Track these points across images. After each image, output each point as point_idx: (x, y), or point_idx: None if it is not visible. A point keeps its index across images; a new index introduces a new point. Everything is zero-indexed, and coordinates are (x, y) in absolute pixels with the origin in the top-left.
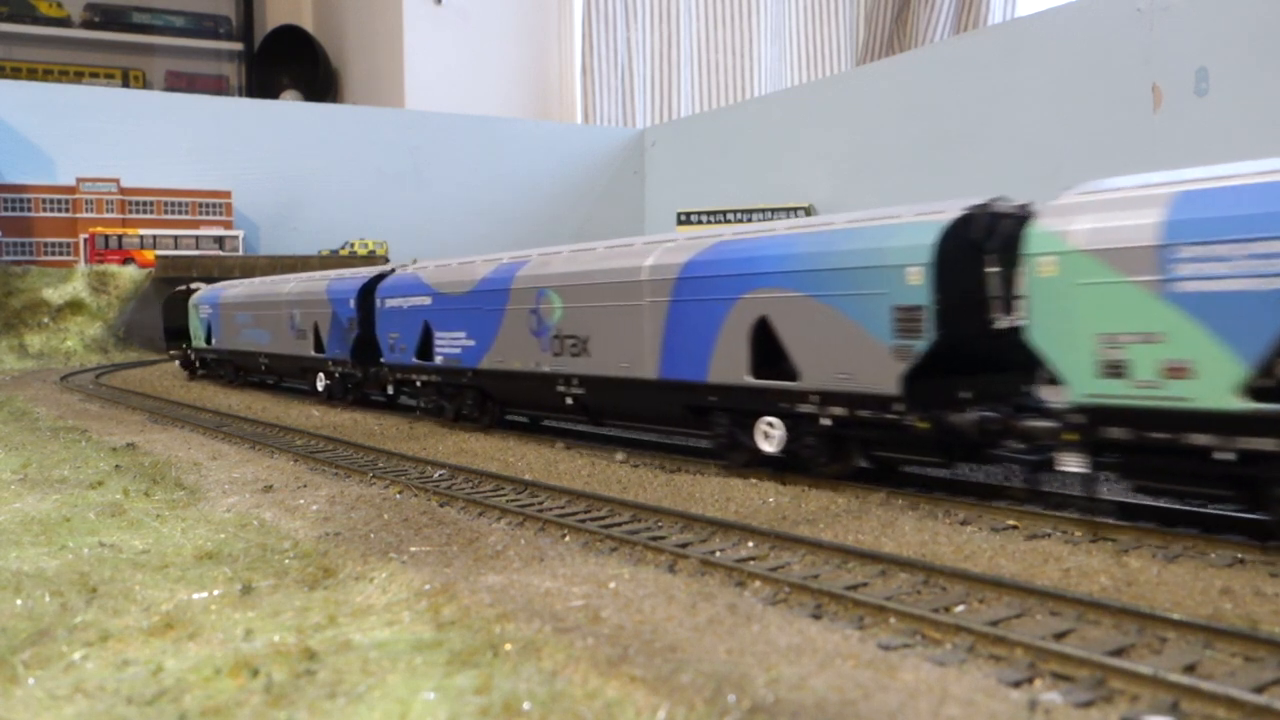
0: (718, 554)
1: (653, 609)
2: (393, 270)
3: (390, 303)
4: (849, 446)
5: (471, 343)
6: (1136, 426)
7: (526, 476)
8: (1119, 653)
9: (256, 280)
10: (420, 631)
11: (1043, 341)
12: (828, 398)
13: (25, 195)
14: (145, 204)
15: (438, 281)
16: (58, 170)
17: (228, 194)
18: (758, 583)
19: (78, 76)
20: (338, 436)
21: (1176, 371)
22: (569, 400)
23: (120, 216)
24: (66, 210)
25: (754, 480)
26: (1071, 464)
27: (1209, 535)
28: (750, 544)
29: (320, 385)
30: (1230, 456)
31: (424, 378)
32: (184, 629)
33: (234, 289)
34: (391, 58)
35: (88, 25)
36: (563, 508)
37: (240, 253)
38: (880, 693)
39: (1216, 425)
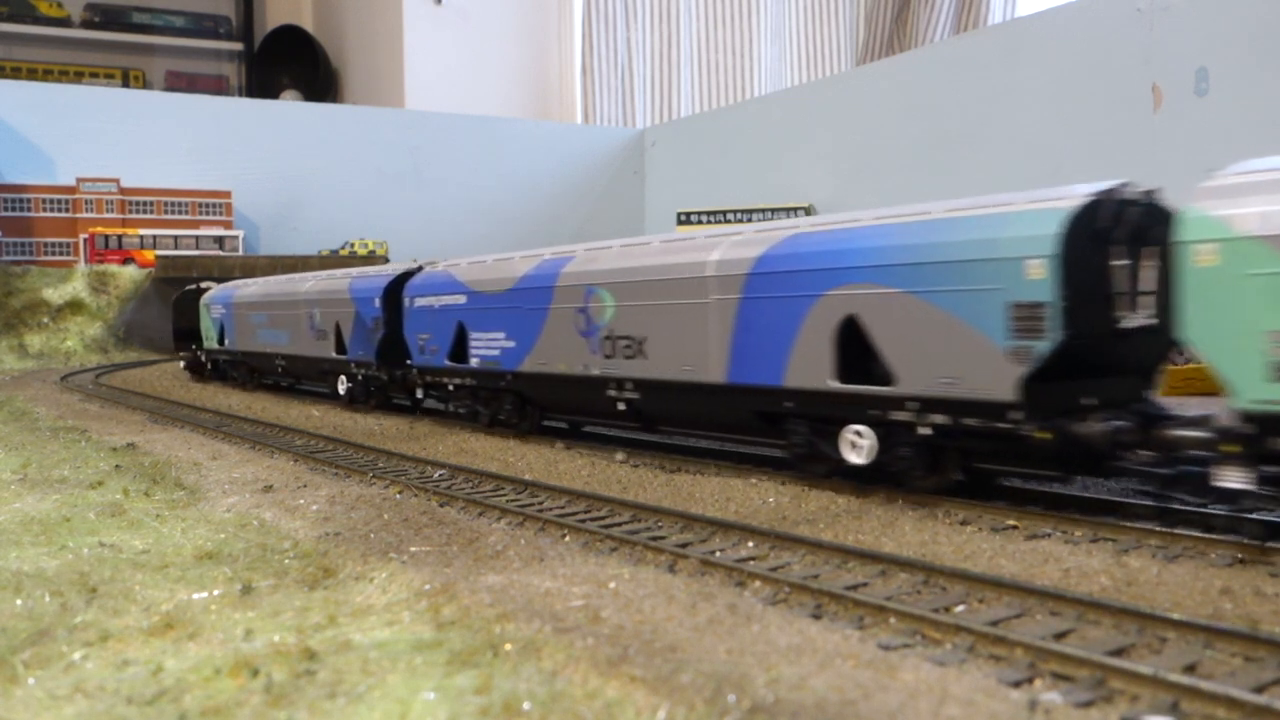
0: (718, 554)
1: (653, 609)
2: (419, 267)
3: (420, 302)
4: (948, 458)
5: (511, 344)
6: None
7: (526, 476)
8: (1119, 653)
9: (272, 279)
10: (420, 631)
11: (1200, 340)
12: (928, 404)
13: (25, 195)
14: (145, 204)
15: (473, 279)
16: (58, 170)
17: (228, 194)
18: (758, 583)
19: (78, 76)
20: (338, 436)
21: None
22: (621, 405)
23: (120, 216)
24: (66, 210)
25: (754, 480)
26: (1231, 479)
27: (1209, 535)
28: (750, 544)
29: (342, 388)
30: None
31: (457, 381)
32: (184, 629)
33: (248, 288)
34: (391, 58)
35: (88, 25)
36: (563, 508)
37: (240, 253)
38: (880, 693)
39: None
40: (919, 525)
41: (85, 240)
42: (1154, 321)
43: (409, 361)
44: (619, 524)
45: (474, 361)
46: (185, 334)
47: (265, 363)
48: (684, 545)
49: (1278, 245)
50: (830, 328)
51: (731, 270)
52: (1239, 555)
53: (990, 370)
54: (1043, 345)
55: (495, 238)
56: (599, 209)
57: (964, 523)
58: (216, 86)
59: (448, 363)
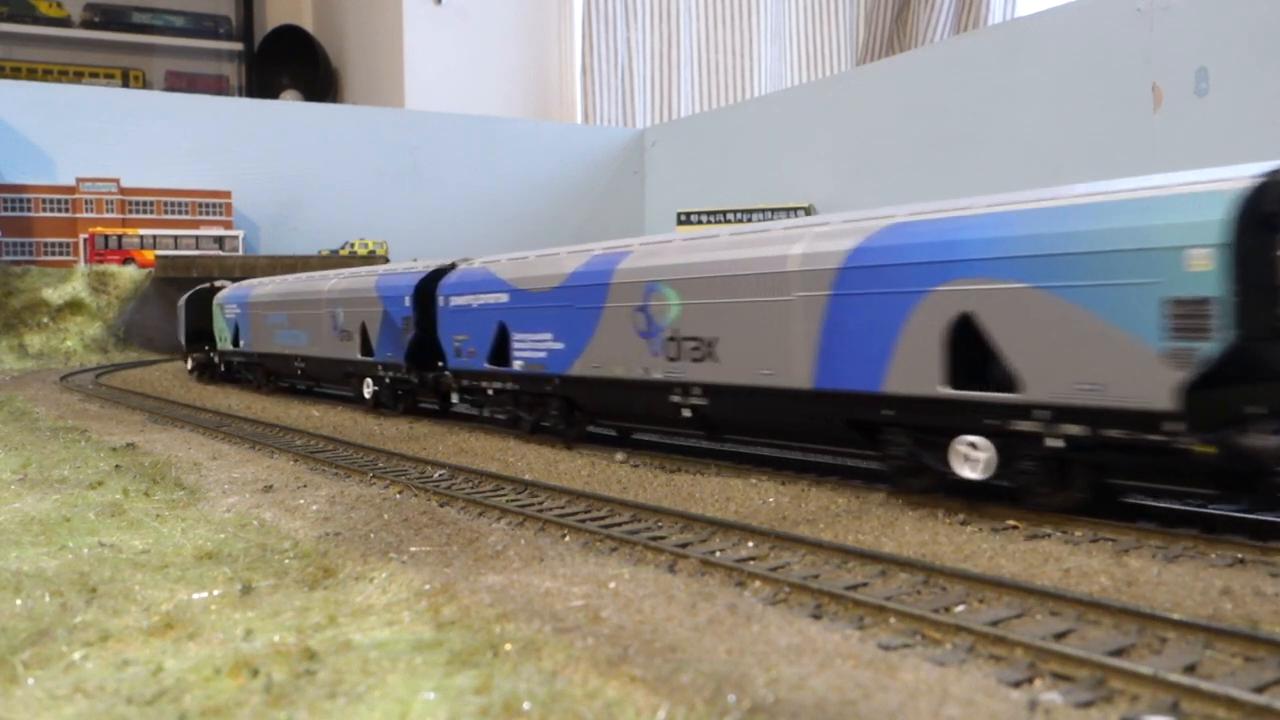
0: (718, 554)
1: (653, 609)
2: (452, 265)
3: (456, 301)
4: (1077, 473)
5: (559, 346)
6: None
7: (526, 476)
8: (1119, 653)
9: (290, 277)
10: (420, 631)
11: None
12: (1062, 413)
13: (25, 195)
14: (145, 204)
15: (516, 277)
16: (58, 170)
17: (228, 194)
18: (758, 583)
19: (78, 76)
20: (338, 436)
21: None
22: (686, 412)
23: (120, 216)
24: (66, 210)
25: (754, 480)
26: None
27: (1209, 535)
28: (750, 544)
29: (367, 391)
30: None
31: (497, 385)
32: (184, 629)
33: (265, 287)
34: (391, 58)
35: (88, 25)
36: (563, 508)
37: (240, 253)
38: (880, 693)
39: None
40: (919, 525)
41: (85, 240)
42: None
43: (441, 364)
44: (619, 524)
45: (517, 364)
46: (198, 335)
47: (283, 365)
48: (684, 545)
49: None
50: (940, 327)
51: (819, 265)
52: (1239, 555)
53: (1142, 376)
54: (1209, 347)
55: (495, 238)
56: (599, 209)
57: (964, 523)
58: (216, 86)
59: (487, 366)
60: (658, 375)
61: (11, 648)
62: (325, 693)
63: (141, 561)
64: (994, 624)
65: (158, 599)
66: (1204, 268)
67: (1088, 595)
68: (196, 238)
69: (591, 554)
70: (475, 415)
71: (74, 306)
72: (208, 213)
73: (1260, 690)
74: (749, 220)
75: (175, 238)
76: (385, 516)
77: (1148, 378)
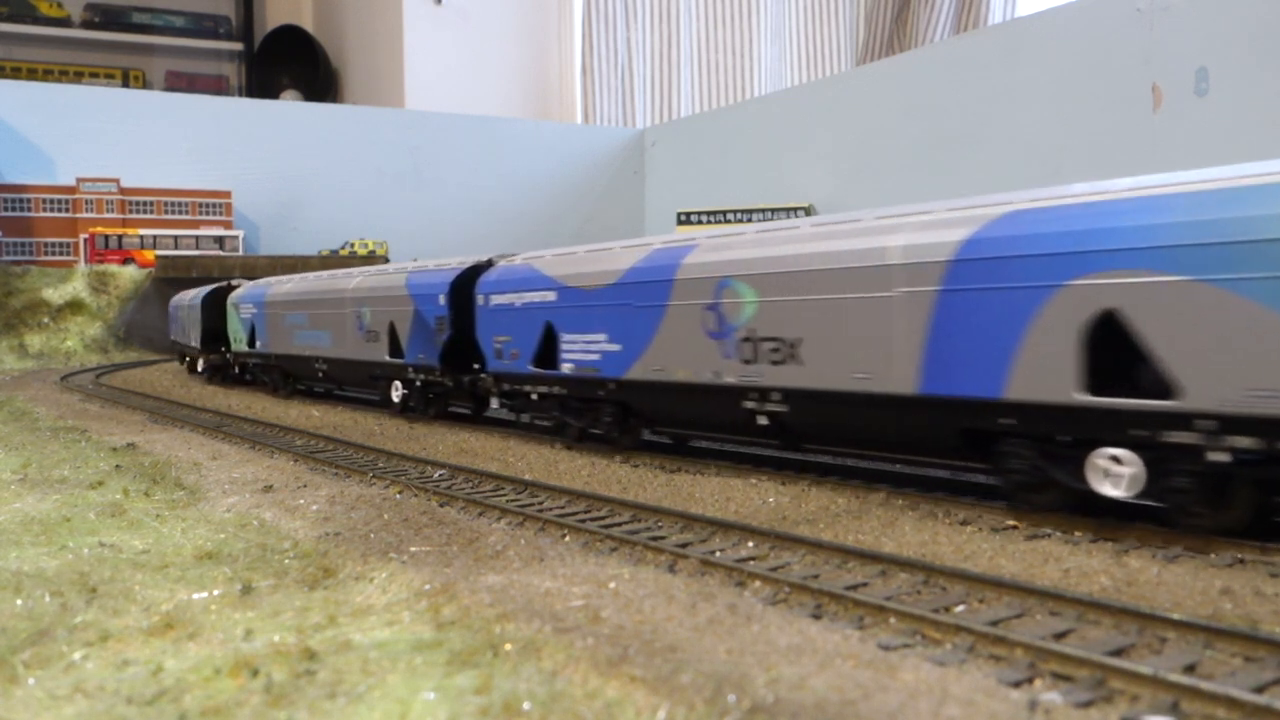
0: (718, 554)
1: (653, 609)
2: (489, 261)
3: (497, 299)
4: (1240, 490)
5: (615, 347)
6: None
7: (526, 476)
8: (1119, 653)
9: (311, 275)
10: (420, 631)
11: None
12: (1230, 424)
13: (25, 195)
14: (145, 204)
15: (564, 274)
16: (58, 170)
17: (228, 194)
18: (758, 583)
19: (78, 76)
20: (338, 436)
21: None
22: (762, 420)
23: (120, 216)
24: (66, 210)
25: (754, 480)
26: None
27: (1209, 535)
28: (750, 544)
29: (396, 395)
30: None
31: (542, 389)
32: (184, 629)
33: (283, 285)
34: (391, 58)
35: (88, 25)
36: (563, 508)
37: (240, 253)
38: (880, 693)
39: None
40: (919, 525)
41: (85, 240)
42: None
43: (477, 366)
44: (619, 524)
45: (565, 367)
46: (215, 336)
47: (303, 367)
48: (684, 545)
49: None
50: (1076, 326)
51: (926, 257)
52: (1239, 555)
53: None
54: None
55: (495, 238)
56: (599, 209)
57: (964, 523)
58: (216, 86)
59: (532, 368)
60: (730, 379)
61: (11, 648)
62: (325, 693)
63: (141, 561)
64: (994, 624)
65: (158, 599)
66: None
67: (1088, 595)
68: (196, 238)
69: (591, 554)
70: (512, 421)
71: (74, 306)
72: (208, 213)
73: (1260, 690)
74: (749, 220)
75: (175, 238)
76: (385, 516)
77: None
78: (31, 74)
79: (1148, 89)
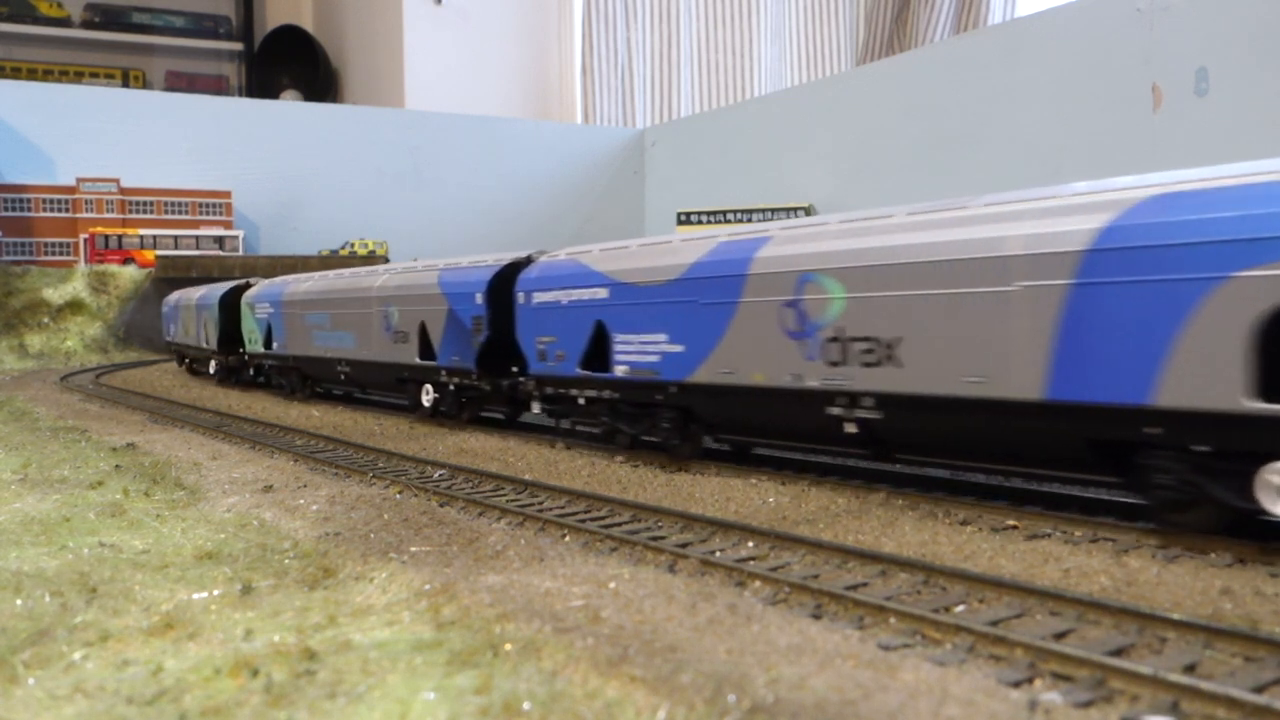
0: (718, 554)
1: (653, 609)
2: (528, 258)
3: (540, 297)
4: None
5: (677, 348)
6: None
7: (526, 476)
8: (1119, 653)
9: (332, 273)
10: (420, 631)
11: None
12: None
13: (25, 195)
14: (145, 204)
15: (617, 269)
16: (58, 170)
17: (228, 194)
18: (758, 583)
19: (78, 76)
20: (338, 436)
21: None
22: (849, 427)
23: (120, 216)
24: (66, 210)
25: (754, 480)
26: None
27: (1209, 535)
28: (750, 544)
29: (427, 399)
30: None
31: (591, 393)
32: (184, 629)
33: (302, 284)
34: (391, 58)
35: (88, 25)
36: (563, 508)
37: (240, 253)
38: (880, 693)
39: None
40: (919, 525)
41: (85, 240)
42: None
43: (516, 369)
44: (619, 524)
45: (619, 370)
46: (233, 337)
47: (323, 369)
48: (684, 545)
49: None
50: (1244, 324)
51: (1054, 247)
52: (1239, 555)
53: None
54: None
55: (495, 238)
56: (599, 209)
57: (964, 523)
58: (216, 86)
59: (579, 371)
60: (813, 383)
61: (11, 648)
62: (325, 693)
63: (141, 561)
64: (994, 624)
65: (158, 599)
66: None
67: (1088, 595)
68: (196, 238)
69: (591, 554)
70: (551, 428)
71: (74, 306)
72: (208, 213)
73: (1260, 690)
74: (749, 220)
75: (175, 238)
76: (385, 516)
77: None
78: (31, 74)
79: (1148, 89)
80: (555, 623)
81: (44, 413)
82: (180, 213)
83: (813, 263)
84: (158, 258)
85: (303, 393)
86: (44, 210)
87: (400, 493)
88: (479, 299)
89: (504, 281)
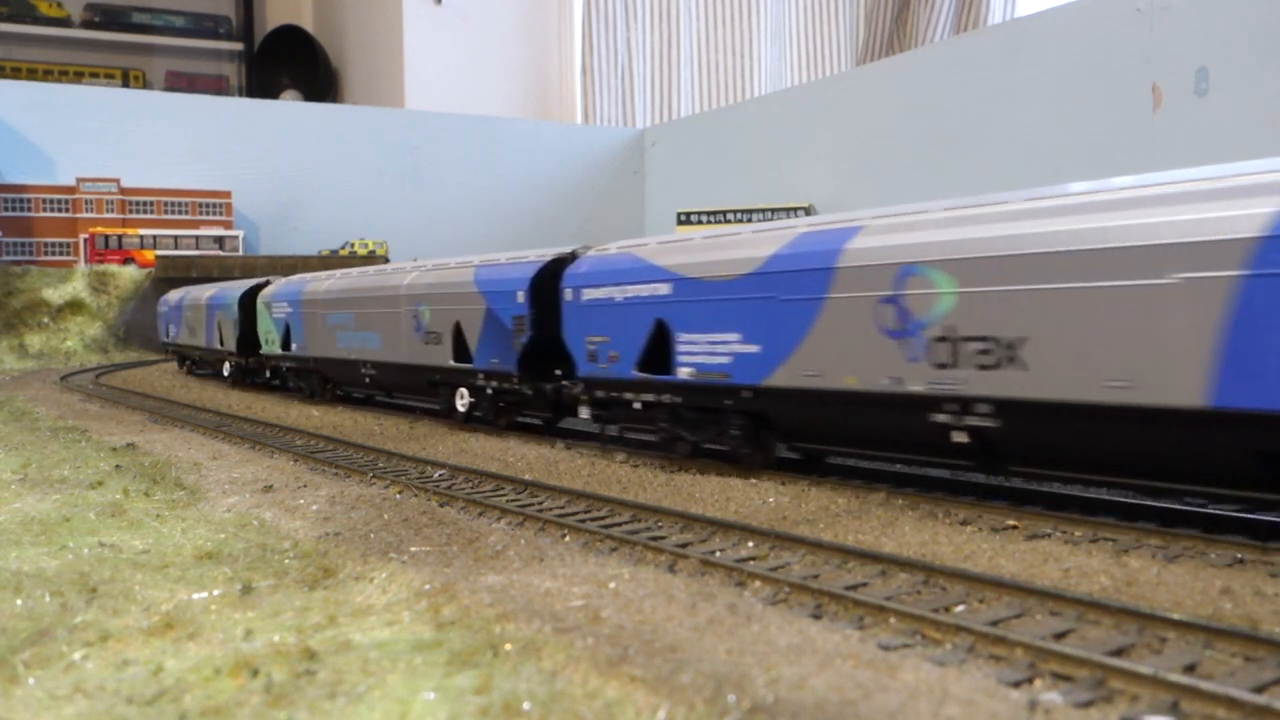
0: (718, 554)
1: (653, 609)
2: (573, 254)
3: (591, 294)
4: None
5: (751, 348)
6: None
7: (526, 476)
8: (1119, 653)
9: (355, 271)
10: (420, 631)
11: None
12: None
13: (25, 195)
14: (145, 204)
15: (680, 263)
16: (58, 170)
17: (228, 194)
18: (758, 583)
19: (78, 76)
20: (338, 436)
21: None
22: (959, 436)
23: (120, 216)
24: (66, 210)
25: (754, 480)
26: None
27: (1209, 535)
28: (750, 544)
29: (462, 404)
30: None
31: (648, 397)
32: (184, 629)
33: (323, 282)
34: (391, 58)
35: (88, 25)
36: (563, 508)
37: (240, 253)
38: (880, 693)
39: None
40: (919, 525)
41: (85, 240)
42: None
43: (559, 372)
44: (619, 524)
45: (683, 372)
46: (250, 338)
47: (346, 372)
48: (684, 545)
49: None
50: None
51: (1220, 234)
52: (1239, 555)
53: None
54: None
55: (495, 237)
56: (599, 209)
57: (964, 523)
58: (216, 86)
59: (636, 373)
60: (916, 387)
61: (11, 648)
62: (325, 693)
63: (141, 561)
64: (994, 624)
65: (158, 599)
66: None
67: (1088, 595)
68: (196, 238)
69: (591, 554)
70: (597, 435)
71: (74, 306)
72: (208, 213)
73: (1260, 690)
74: (749, 220)
75: (175, 238)
76: (385, 516)
77: None
78: (31, 74)
79: (1148, 89)
80: (555, 623)
81: (44, 413)
82: (180, 213)
83: (916, 254)
84: (158, 258)
85: (323, 396)
86: (44, 210)
87: (400, 493)
88: (521, 297)
89: (547, 278)
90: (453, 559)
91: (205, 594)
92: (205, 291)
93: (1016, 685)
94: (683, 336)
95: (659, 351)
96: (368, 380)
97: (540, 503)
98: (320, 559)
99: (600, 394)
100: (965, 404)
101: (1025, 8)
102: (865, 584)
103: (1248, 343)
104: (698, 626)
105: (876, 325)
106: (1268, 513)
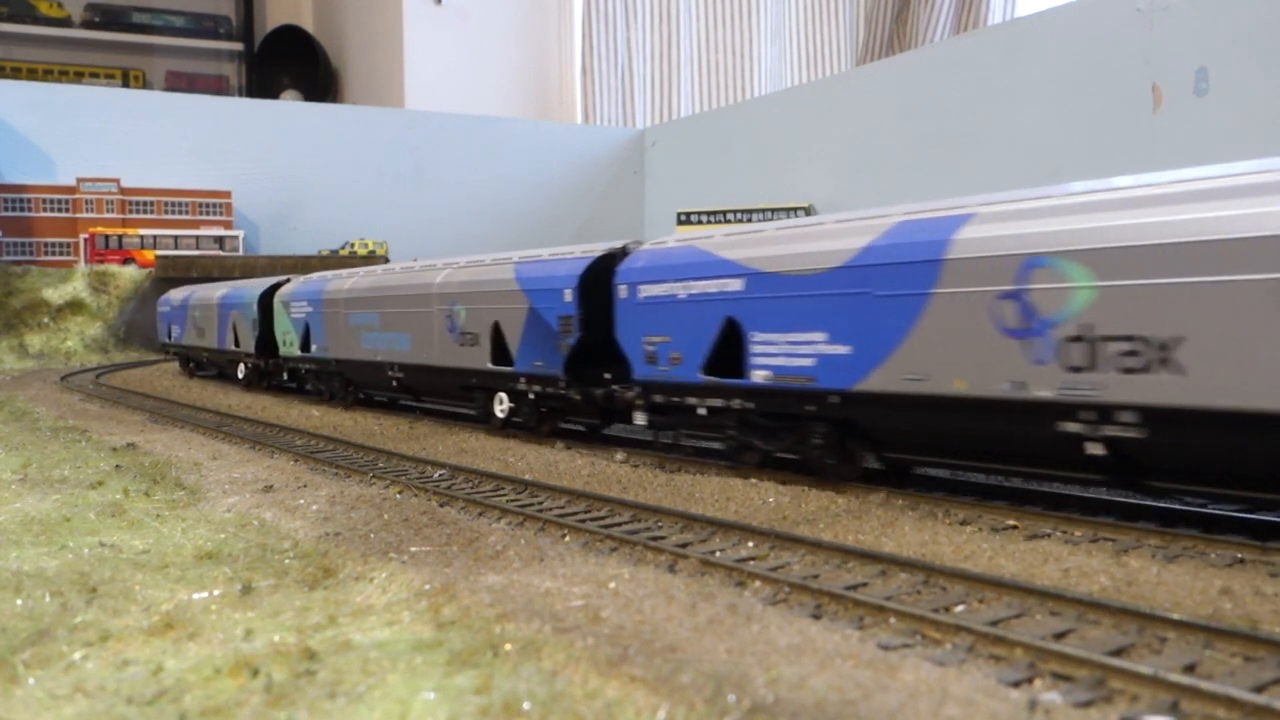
0: (718, 554)
1: (653, 609)
2: (623, 249)
3: (649, 291)
4: None
5: (841, 349)
6: None
7: (526, 476)
8: (1119, 653)
9: (380, 268)
10: (420, 631)
11: None
12: None
13: (25, 195)
14: (145, 204)
15: (753, 256)
16: (58, 170)
17: (228, 194)
18: (758, 583)
19: (78, 76)
20: (338, 436)
21: None
22: (1094, 448)
23: (120, 216)
24: (66, 210)
25: (754, 480)
26: None
27: (1209, 535)
28: (750, 544)
29: (501, 409)
30: None
31: (715, 403)
32: (184, 629)
33: (345, 280)
34: (391, 58)
35: (88, 25)
36: (563, 508)
37: (240, 253)
38: (880, 693)
39: None
40: (919, 525)
41: (85, 240)
42: None
43: (609, 375)
44: (619, 524)
45: (758, 375)
46: (269, 340)
47: (372, 374)
48: (684, 545)
49: None
50: None
51: None
52: (1239, 555)
53: None
54: None
55: (495, 237)
56: (599, 209)
57: (964, 523)
58: (216, 86)
59: (702, 377)
60: (1043, 393)
61: (11, 648)
62: (325, 693)
63: (142, 561)
64: (994, 624)
65: (158, 599)
66: None
67: (1088, 595)
68: (196, 238)
69: (591, 554)
70: (650, 442)
71: (74, 306)
72: (208, 213)
73: (1260, 690)
74: (749, 220)
75: (175, 238)
76: (385, 516)
77: None
78: (31, 74)
79: (1148, 89)
80: (555, 623)
81: (44, 413)
82: (180, 213)
83: (1044, 244)
84: (158, 258)
85: (346, 400)
86: (44, 210)
87: (400, 493)
88: (569, 295)
89: (596, 275)
90: (453, 559)
91: (205, 594)
92: (217, 290)
93: (1016, 685)
94: (757, 336)
95: (729, 353)
96: (395, 384)
97: (540, 503)
98: (320, 559)
99: (659, 399)
100: (1104, 411)
101: (1025, 8)
102: (865, 584)
103: None
104: (698, 626)
105: (994, 323)
106: (1268, 513)
